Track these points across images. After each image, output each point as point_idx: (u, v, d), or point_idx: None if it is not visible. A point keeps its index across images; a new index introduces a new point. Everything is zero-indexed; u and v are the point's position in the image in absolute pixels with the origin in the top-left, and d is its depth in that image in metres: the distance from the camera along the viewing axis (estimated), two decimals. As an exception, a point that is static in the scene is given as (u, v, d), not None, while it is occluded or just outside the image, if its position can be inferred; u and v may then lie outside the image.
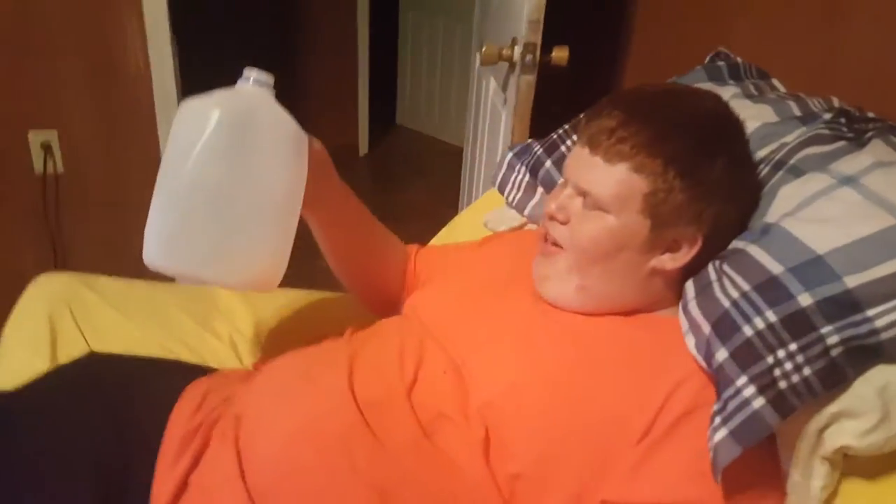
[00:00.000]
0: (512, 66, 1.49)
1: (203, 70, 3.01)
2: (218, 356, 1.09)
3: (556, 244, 0.80)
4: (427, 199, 3.39)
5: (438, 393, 0.76)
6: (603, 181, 0.75)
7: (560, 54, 1.44)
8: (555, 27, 1.44)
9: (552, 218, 0.80)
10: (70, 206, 2.03)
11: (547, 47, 1.42)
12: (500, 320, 0.82)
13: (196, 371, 0.97)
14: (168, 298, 1.17)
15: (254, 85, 0.77)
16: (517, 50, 1.44)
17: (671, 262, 0.77)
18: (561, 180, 0.84)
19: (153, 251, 0.76)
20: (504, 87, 1.63)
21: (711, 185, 0.75)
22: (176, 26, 1.93)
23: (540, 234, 0.83)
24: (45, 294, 1.07)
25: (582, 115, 1.02)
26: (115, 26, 1.87)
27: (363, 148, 3.89)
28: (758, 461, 0.67)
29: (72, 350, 0.99)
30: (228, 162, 0.74)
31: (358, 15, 3.55)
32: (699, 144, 0.75)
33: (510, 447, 0.72)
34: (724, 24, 1.50)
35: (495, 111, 1.75)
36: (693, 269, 0.78)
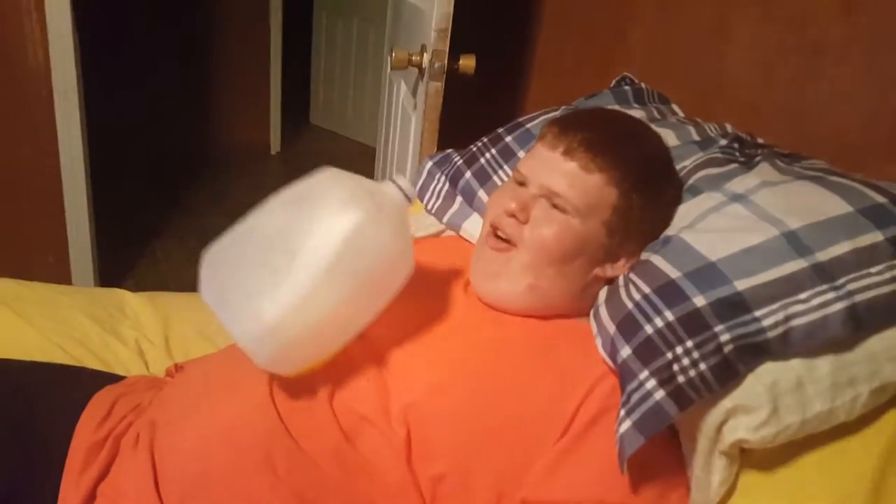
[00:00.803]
0: (421, 72, 1.51)
1: (106, 65, 2.89)
2: (124, 363, 1.05)
3: (509, 241, 0.81)
4: (339, 200, 3.36)
5: (360, 397, 0.77)
6: (577, 186, 0.78)
7: (467, 62, 1.47)
8: (463, 36, 1.48)
9: (511, 215, 0.81)
10: None
11: (455, 55, 1.46)
12: (423, 322, 0.83)
13: (102, 378, 0.94)
14: (70, 302, 1.12)
15: (400, 195, 0.75)
16: (426, 57, 1.46)
17: (611, 271, 0.82)
18: (509, 179, 0.87)
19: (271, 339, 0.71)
20: (414, 93, 1.65)
21: (660, 209, 0.83)
22: (78, 19, 1.83)
23: (488, 231, 0.84)
24: None
25: (522, 123, 1.08)
26: (12, 17, 1.76)
27: (275, 146, 3.81)
28: (663, 457, 0.72)
29: None
30: (355, 269, 0.72)
31: (271, 12, 3.48)
32: (660, 173, 0.84)
33: (432, 447, 0.73)
34: (623, 38, 1.59)
35: (406, 115, 1.77)
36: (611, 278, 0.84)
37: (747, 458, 0.70)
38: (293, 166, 3.81)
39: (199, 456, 0.73)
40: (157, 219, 2.90)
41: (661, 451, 0.73)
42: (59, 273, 2.05)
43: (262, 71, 3.61)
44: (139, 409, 0.84)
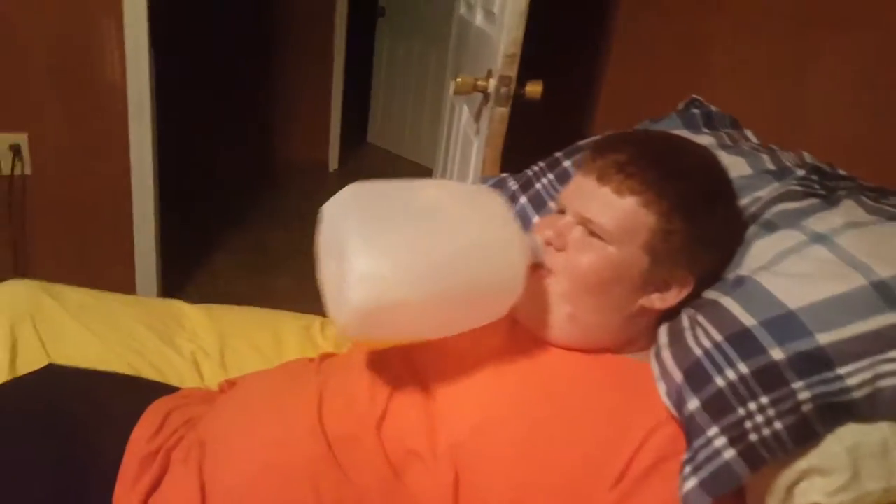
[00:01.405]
0: (486, 97, 1.50)
1: (179, 83, 3.00)
2: (180, 374, 1.07)
3: (549, 271, 0.79)
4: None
5: (408, 428, 0.75)
6: (611, 211, 0.75)
7: (534, 88, 1.45)
8: (530, 61, 1.46)
9: (548, 243, 0.79)
10: (36, 209, 2.00)
11: (521, 81, 1.44)
12: (471, 354, 0.81)
13: (157, 389, 0.95)
14: (131, 312, 1.14)
15: (532, 244, 0.78)
16: (492, 83, 1.45)
17: (660, 301, 0.78)
18: (554, 209, 0.84)
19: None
20: (477, 118, 1.64)
21: (710, 232, 0.77)
22: (154, 37, 1.91)
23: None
24: (7, 301, 1.04)
25: (584, 149, 1.05)
26: (92, 33, 1.84)
27: (333, 164, 3.87)
28: None
29: (32, 360, 0.97)
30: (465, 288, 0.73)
31: (335, 31, 3.56)
32: (704, 191, 0.78)
33: (481, 491, 0.71)
34: (699, 65, 1.54)
35: (467, 139, 1.76)
36: (668, 314, 0.79)
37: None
38: (349, 183, 3.85)
39: (246, 480, 0.73)
40: (217, 233, 2.97)
41: None
42: (124, 283, 2.12)
43: (324, 89, 3.67)
44: (191, 423, 0.84)
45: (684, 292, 0.77)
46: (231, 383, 0.98)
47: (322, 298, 0.76)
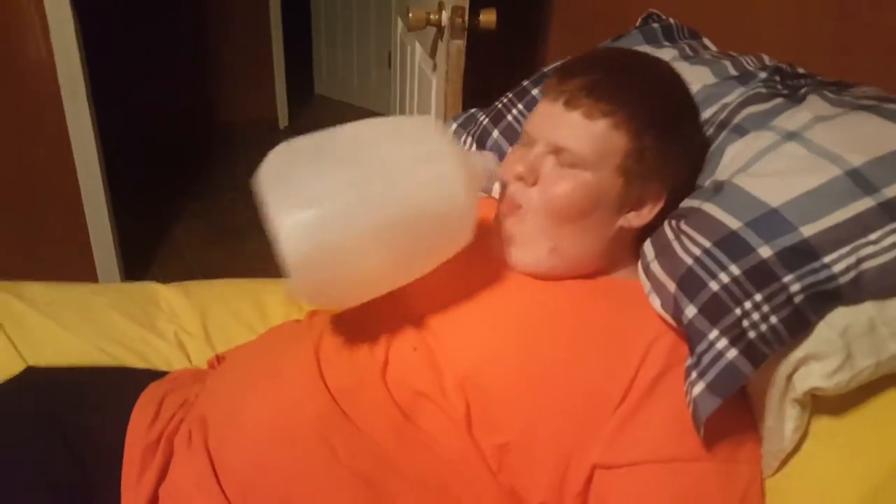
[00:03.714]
0: (440, 30, 1.46)
1: (105, 52, 2.84)
2: (166, 358, 1.05)
3: (520, 209, 0.79)
4: (354, 170, 3.32)
5: (412, 371, 0.75)
6: (583, 136, 0.75)
7: (488, 17, 1.42)
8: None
9: (519, 178, 0.78)
10: None
11: (474, 10, 1.40)
12: (464, 291, 0.81)
13: (145, 376, 0.93)
14: (103, 301, 1.10)
15: (484, 171, 0.76)
16: (445, 15, 1.41)
17: (636, 219, 0.79)
18: (518, 141, 0.83)
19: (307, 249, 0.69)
20: (432, 53, 1.60)
21: (679, 146, 0.78)
22: (76, 8, 1.78)
23: (502, 196, 0.82)
24: None
25: (548, 73, 1.03)
26: (7, 9, 1.72)
27: (283, 120, 3.75)
28: (733, 411, 0.69)
29: (7, 367, 0.93)
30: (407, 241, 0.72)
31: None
32: (671, 106, 0.78)
33: (494, 418, 0.72)
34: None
35: (424, 77, 1.72)
36: (648, 229, 0.80)
37: (817, 403, 0.68)
38: (303, 139, 3.76)
39: (255, 447, 0.72)
40: (173, 204, 2.88)
41: (730, 404, 0.70)
42: (85, 271, 2.04)
43: (263, 42, 3.52)
44: (187, 405, 0.83)
45: (658, 206, 0.78)
46: (221, 358, 0.97)
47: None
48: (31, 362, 0.94)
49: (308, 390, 0.74)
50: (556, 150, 0.76)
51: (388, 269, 0.74)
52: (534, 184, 0.77)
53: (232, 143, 3.51)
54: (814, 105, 0.78)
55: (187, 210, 2.86)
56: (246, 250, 2.54)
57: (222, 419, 0.75)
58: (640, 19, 1.12)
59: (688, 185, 0.80)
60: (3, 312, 1.00)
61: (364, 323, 0.81)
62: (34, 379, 0.87)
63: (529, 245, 0.79)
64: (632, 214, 0.79)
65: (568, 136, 0.75)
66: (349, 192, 0.69)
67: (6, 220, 1.95)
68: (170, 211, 2.83)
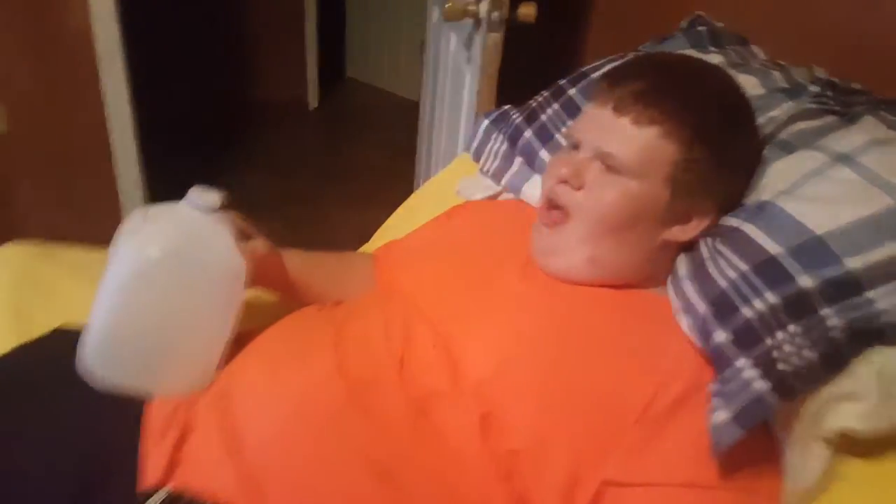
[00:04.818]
0: (478, 22, 1.43)
1: (148, 24, 2.86)
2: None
3: (563, 211, 0.77)
4: (380, 154, 3.31)
5: (429, 370, 0.74)
6: (630, 144, 0.72)
7: (527, 10, 1.39)
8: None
9: (564, 182, 0.76)
10: (15, 166, 1.95)
11: (513, 3, 1.37)
12: (487, 292, 0.80)
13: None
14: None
15: (200, 210, 0.79)
16: (483, 7, 1.38)
17: (681, 234, 0.76)
18: (565, 143, 0.81)
19: (85, 364, 0.77)
20: (468, 45, 1.57)
21: (731, 159, 0.75)
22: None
23: (543, 202, 0.80)
24: (5, 266, 1.01)
25: (590, 76, 1.00)
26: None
27: (313, 102, 3.76)
28: (755, 441, 0.66)
29: (36, 326, 0.93)
30: (159, 296, 0.77)
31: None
32: (725, 117, 0.75)
33: (507, 424, 0.70)
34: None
35: (457, 69, 1.69)
36: (685, 244, 0.77)
37: (850, 443, 0.64)
38: (331, 121, 3.77)
39: (275, 429, 0.72)
40: (201, 178, 2.89)
41: (754, 433, 0.67)
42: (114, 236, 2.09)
43: (297, 25, 3.53)
44: None
45: (705, 223, 0.75)
46: (242, 334, 0.96)
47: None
48: (60, 322, 0.94)
49: (326, 380, 0.74)
50: (603, 156, 0.74)
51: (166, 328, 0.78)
52: (579, 188, 0.75)
53: (262, 123, 3.52)
54: (868, 126, 0.74)
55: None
56: (272, 227, 2.54)
57: (244, 398, 0.75)
58: (685, 21, 1.08)
59: (737, 201, 0.77)
60: (36, 272, 1.01)
61: (385, 317, 0.80)
62: (61, 339, 0.86)
63: (568, 251, 0.77)
64: (677, 228, 0.75)
65: (615, 143, 0.73)
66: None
67: (43, 185, 2.00)
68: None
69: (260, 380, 0.77)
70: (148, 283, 0.76)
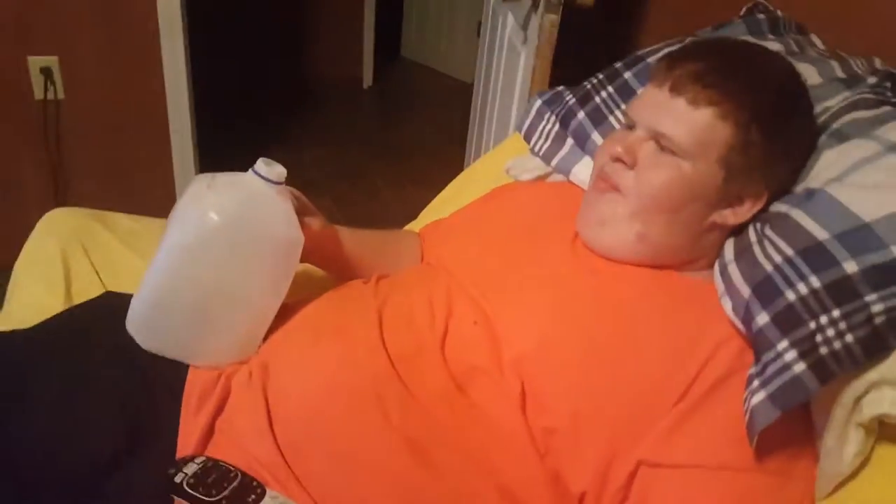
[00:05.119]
0: (535, 3, 1.44)
1: (208, 4, 2.93)
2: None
3: (616, 189, 0.77)
4: (432, 134, 3.34)
5: (470, 345, 0.75)
6: (685, 124, 0.73)
7: (585, -5, 1.39)
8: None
9: (617, 159, 0.77)
10: (71, 132, 1.99)
11: (572, -13, 1.38)
12: (531, 269, 0.80)
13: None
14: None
15: (264, 182, 0.78)
16: (542, -13, 1.39)
17: (732, 217, 0.76)
18: (622, 123, 0.81)
19: (134, 323, 0.78)
20: (524, 26, 1.58)
21: (786, 144, 0.75)
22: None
23: (594, 180, 0.80)
24: (57, 231, 1.03)
25: (646, 59, 1.00)
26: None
27: (367, 80, 3.80)
28: (792, 424, 0.68)
29: (86, 289, 0.97)
30: (215, 262, 0.76)
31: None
32: (782, 102, 0.75)
33: (545, 401, 0.72)
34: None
35: (512, 50, 1.70)
36: (734, 228, 0.78)
37: (884, 430, 0.65)
38: (385, 100, 3.80)
39: (311, 401, 0.73)
40: (255, 154, 2.95)
41: (790, 417, 0.68)
42: (166, 207, 2.12)
43: (357, 5, 3.56)
44: None
45: (757, 206, 0.75)
46: (283, 307, 0.99)
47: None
48: (108, 287, 0.98)
49: (368, 352, 0.75)
50: (657, 136, 0.75)
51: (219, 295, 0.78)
52: (632, 167, 0.76)
53: (316, 99, 3.58)
54: (925, 117, 0.73)
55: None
56: (321, 204, 2.60)
57: (284, 369, 0.77)
58: (745, 8, 1.07)
59: (788, 187, 0.77)
60: (85, 236, 1.03)
61: (428, 293, 0.81)
62: (111, 302, 0.89)
63: (618, 226, 0.77)
64: (728, 211, 0.76)
65: (669, 123, 0.73)
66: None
67: (99, 153, 2.06)
68: (251, 159, 2.92)
69: (301, 351, 0.78)
70: (207, 249, 0.76)
